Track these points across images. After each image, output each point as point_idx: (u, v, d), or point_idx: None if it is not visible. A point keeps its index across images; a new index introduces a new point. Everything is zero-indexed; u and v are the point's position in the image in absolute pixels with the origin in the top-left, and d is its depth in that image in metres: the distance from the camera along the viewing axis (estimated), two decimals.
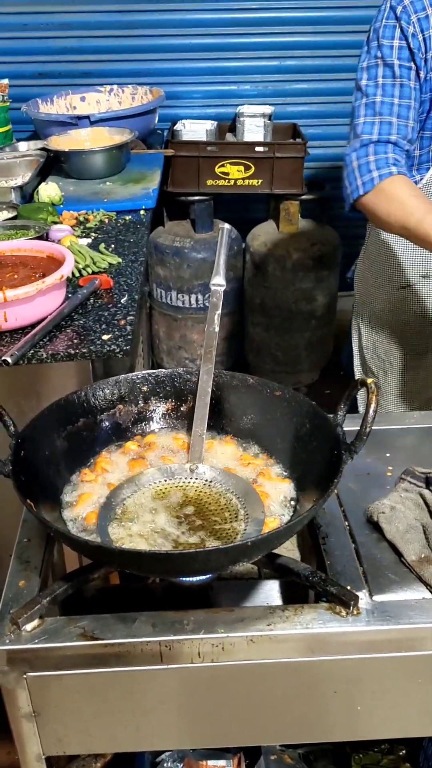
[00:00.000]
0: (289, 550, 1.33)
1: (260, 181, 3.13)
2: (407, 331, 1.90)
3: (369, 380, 1.09)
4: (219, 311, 1.29)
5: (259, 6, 3.29)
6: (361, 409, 1.09)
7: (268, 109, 3.28)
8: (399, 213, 1.55)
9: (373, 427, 1.06)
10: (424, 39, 1.58)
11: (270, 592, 1.27)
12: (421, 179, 1.69)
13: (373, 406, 1.05)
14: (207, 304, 1.30)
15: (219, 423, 1.27)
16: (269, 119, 3.22)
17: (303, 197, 3.18)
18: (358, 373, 2.04)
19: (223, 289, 1.32)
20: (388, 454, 1.33)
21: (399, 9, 1.59)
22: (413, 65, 1.60)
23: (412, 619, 1.02)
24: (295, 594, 1.25)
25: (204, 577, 1.09)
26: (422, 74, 1.60)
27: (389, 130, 1.59)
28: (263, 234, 3.27)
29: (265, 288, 3.25)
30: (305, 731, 1.14)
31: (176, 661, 1.01)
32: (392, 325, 1.92)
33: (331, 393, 3.22)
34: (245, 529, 1.07)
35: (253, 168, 3.11)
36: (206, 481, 1.17)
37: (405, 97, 1.60)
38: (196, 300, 3.20)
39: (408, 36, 1.58)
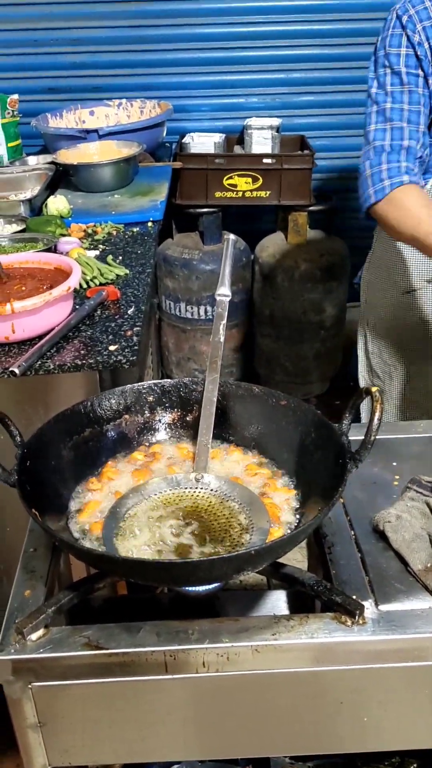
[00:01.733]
0: (299, 561, 1.33)
1: (268, 192, 3.14)
2: (413, 336, 1.90)
3: (374, 389, 1.09)
4: (224, 321, 1.30)
5: (265, 20, 3.32)
6: (365, 418, 1.09)
7: (275, 122, 3.30)
8: (409, 223, 1.56)
9: (379, 436, 1.06)
10: (431, 47, 1.61)
11: (276, 602, 1.27)
12: (425, 185, 1.70)
13: (377, 414, 1.05)
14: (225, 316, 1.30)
15: (225, 432, 1.27)
16: (277, 131, 3.24)
17: (311, 208, 3.19)
18: (363, 377, 2.04)
19: (228, 299, 1.32)
20: (394, 463, 1.33)
21: (405, 18, 1.62)
22: (421, 72, 1.62)
23: (419, 629, 1.01)
24: (302, 604, 1.24)
25: (210, 586, 1.08)
26: (430, 81, 1.62)
27: (401, 135, 1.60)
28: (272, 245, 3.28)
29: (273, 299, 3.26)
30: (313, 742, 1.13)
31: (181, 670, 1.01)
32: (398, 330, 1.92)
33: (340, 403, 3.21)
34: (250, 539, 1.06)
35: (261, 180, 3.12)
36: (211, 490, 1.17)
37: (414, 103, 1.61)
38: (205, 311, 3.21)
39: (414, 44, 1.61)
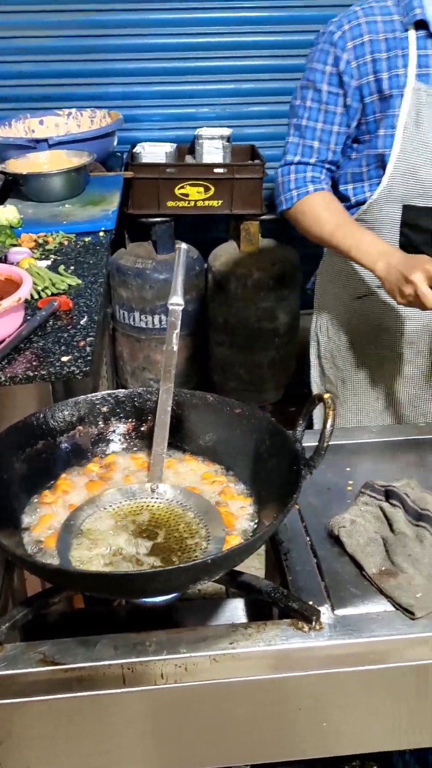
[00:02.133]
0: (257, 568, 1.33)
1: (220, 202, 3.16)
2: (365, 341, 1.93)
3: (326, 396, 1.11)
4: (177, 330, 1.30)
5: (215, 31, 3.35)
6: (318, 424, 1.11)
7: (226, 132, 3.33)
8: (315, 227, 1.72)
9: (332, 442, 1.08)
10: (358, 66, 1.64)
11: (235, 610, 1.26)
12: (371, 195, 1.74)
13: (330, 421, 1.06)
14: (178, 325, 1.30)
15: (180, 442, 1.27)
16: (228, 141, 3.27)
17: (263, 217, 3.22)
18: (316, 383, 2.06)
19: (181, 308, 1.32)
20: (348, 469, 1.34)
21: (337, 34, 1.64)
22: (341, 91, 1.66)
23: (374, 632, 1.02)
24: (261, 611, 1.24)
25: (167, 597, 1.08)
26: (349, 101, 1.67)
27: (310, 153, 1.73)
28: (224, 254, 3.30)
29: (227, 308, 3.27)
30: (273, 750, 1.13)
31: (139, 683, 1.00)
32: (350, 335, 1.95)
33: (295, 410, 3.23)
34: (206, 547, 1.06)
35: (212, 189, 3.14)
36: (167, 500, 1.16)
37: (328, 123, 1.70)
38: (159, 321, 3.21)
39: (341, 62, 1.64)
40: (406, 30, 1.63)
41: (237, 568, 1.06)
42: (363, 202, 1.76)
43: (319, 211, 1.72)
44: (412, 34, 1.62)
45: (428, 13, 1.61)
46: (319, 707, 1.06)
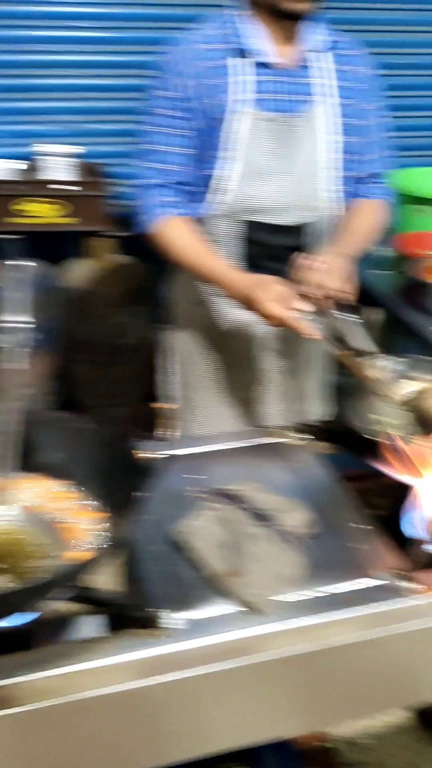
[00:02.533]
0: (114, 581, 1.34)
1: (69, 219, 3.14)
2: (214, 347, 2.01)
3: (173, 406, 1.14)
4: (23, 349, 1.29)
5: (64, 49, 3.34)
6: (171, 434, 1.14)
7: (75, 149, 3.32)
8: (170, 253, 1.82)
9: (180, 450, 1.11)
10: (194, 91, 1.73)
11: (93, 625, 1.26)
12: (209, 211, 1.83)
13: (174, 431, 1.10)
14: (25, 344, 1.30)
15: (27, 461, 1.25)
16: (76, 159, 3.26)
17: (116, 234, 3.24)
18: (171, 393, 2.10)
19: (28, 326, 1.32)
20: (197, 476, 1.37)
21: (173, 61, 1.73)
22: (180, 114, 1.75)
23: (223, 631, 1.06)
24: (119, 623, 1.25)
25: (24, 619, 1.06)
26: (188, 124, 1.75)
27: (160, 175, 1.79)
28: (79, 271, 3.29)
29: (84, 324, 3.26)
30: (144, 759, 1.13)
31: None
32: (201, 342, 2.02)
33: (152, 423, 3.26)
34: (51, 566, 1.06)
35: (62, 206, 3.12)
36: (14, 522, 1.15)
37: (174, 145, 1.77)
38: (12, 340, 3.14)
39: (177, 87, 1.73)
40: (234, 57, 1.72)
41: (90, 584, 1.07)
42: (203, 218, 1.84)
43: (174, 238, 1.79)
44: (238, 61, 1.73)
45: (249, 42, 1.72)
46: (182, 710, 1.08)
